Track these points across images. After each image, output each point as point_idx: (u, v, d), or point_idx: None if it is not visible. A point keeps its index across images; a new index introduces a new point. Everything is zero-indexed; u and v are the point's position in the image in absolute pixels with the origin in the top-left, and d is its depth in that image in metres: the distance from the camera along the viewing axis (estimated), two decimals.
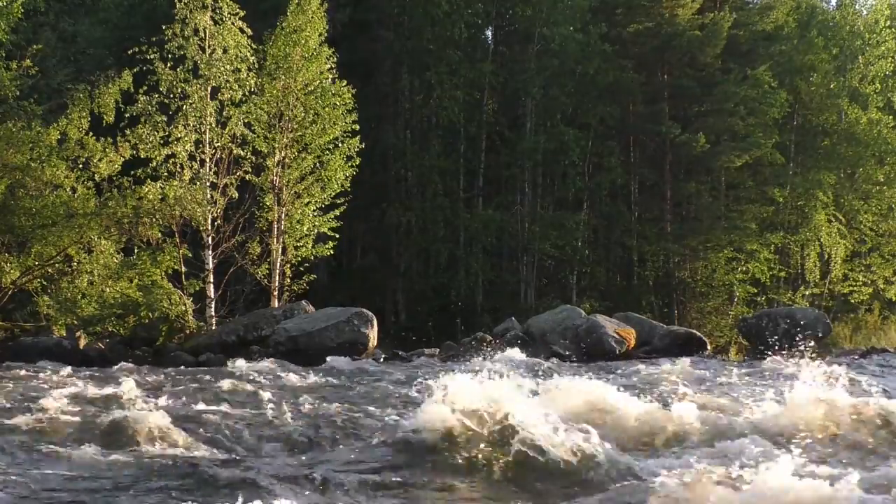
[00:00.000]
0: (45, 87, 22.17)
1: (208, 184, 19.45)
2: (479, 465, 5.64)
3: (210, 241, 19.48)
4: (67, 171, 18.22)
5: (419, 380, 8.43)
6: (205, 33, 19.51)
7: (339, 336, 16.97)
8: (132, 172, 18.65)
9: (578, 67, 29.09)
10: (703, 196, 30.84)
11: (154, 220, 18.47)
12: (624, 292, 29.34)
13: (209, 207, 19.35)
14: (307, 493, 5.13)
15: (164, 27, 19.28)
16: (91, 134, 18.86)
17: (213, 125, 19.62)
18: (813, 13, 35.01)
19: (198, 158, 19.44)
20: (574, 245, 28.56)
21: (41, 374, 11.69)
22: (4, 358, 14.52)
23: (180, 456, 6.17)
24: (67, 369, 12.35)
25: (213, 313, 19.39)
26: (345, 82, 20.87)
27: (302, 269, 20.49)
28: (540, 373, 11.02)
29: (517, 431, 5.71)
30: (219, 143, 19.63)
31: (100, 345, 17.52)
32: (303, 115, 20.43)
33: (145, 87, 19.12)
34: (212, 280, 19.50)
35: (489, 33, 30.95)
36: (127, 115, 19.12)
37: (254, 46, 20.14)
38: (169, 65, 19.24)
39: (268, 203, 20.20)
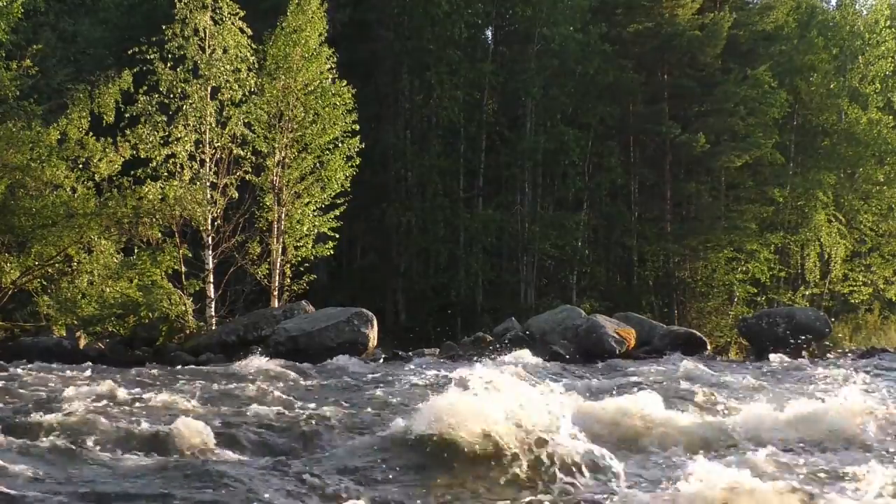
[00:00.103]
0: (45, 87, 22.20)
1: (208, 184, 19.46)
2: (481, 466, 5.63)
3: (210, 241, 19.48)
4: (67, 171, 18.26)
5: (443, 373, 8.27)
6: (205, 33, 19.52)
7: (339, 336, 16.97)
8: (132, 172, 18.68)
9: (578, 67, 29.11)
10: (703, 196, 30.86)
11: (154, 220, 18.50)
12: (624, 292, 29.35)
13: (209, 207, 19.36)
14: (307, 492, 5.13)
15: (164, 27, 19.29)
16: (91, 134, 18.89)
17: (213, 125, 19.62)
18: (813, 13, 35.03)
19: (198, 158, 19.46)
20: (574, 245, 28.57)
21: (41, 375, 11.68)
22: (4, 358, 14.52)
23: (180, 456, 6.17)
24: (67, 369, 12.34)
25: (213, 313, 19.40)
26: (345, 82, 20.89)
27: (302, 269, 20.49)
28: (552, 375, 11.00)
29: (525, 434, 5.69)
30: (219, 143, 19.64)
31: (100, 345, 17.54)
32: (303, 115, 20.44)
33: (145, 87, 19.15)
34: (212, 280, 19.52)
35: (489, 33, 31.00)
36: (127, 115, 19.15)
37: (254, 46, 20.15)
38: (169, 65, 19.27)
39: (268, 203, 20.21)
